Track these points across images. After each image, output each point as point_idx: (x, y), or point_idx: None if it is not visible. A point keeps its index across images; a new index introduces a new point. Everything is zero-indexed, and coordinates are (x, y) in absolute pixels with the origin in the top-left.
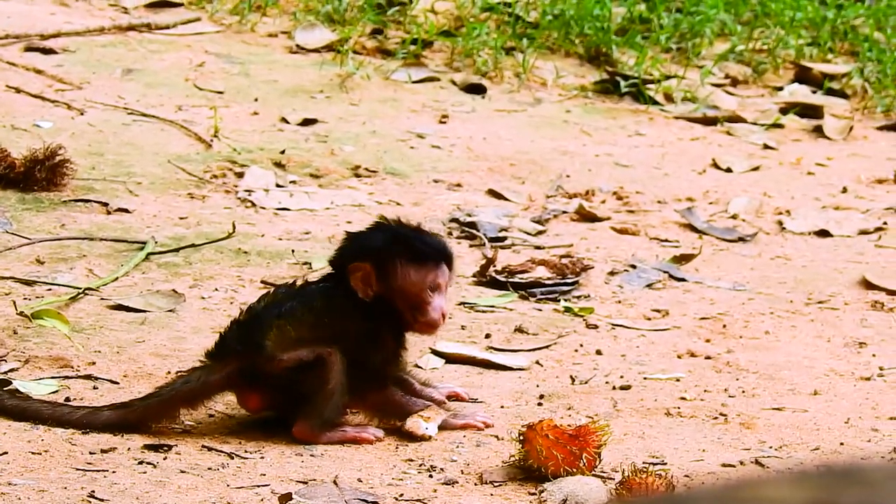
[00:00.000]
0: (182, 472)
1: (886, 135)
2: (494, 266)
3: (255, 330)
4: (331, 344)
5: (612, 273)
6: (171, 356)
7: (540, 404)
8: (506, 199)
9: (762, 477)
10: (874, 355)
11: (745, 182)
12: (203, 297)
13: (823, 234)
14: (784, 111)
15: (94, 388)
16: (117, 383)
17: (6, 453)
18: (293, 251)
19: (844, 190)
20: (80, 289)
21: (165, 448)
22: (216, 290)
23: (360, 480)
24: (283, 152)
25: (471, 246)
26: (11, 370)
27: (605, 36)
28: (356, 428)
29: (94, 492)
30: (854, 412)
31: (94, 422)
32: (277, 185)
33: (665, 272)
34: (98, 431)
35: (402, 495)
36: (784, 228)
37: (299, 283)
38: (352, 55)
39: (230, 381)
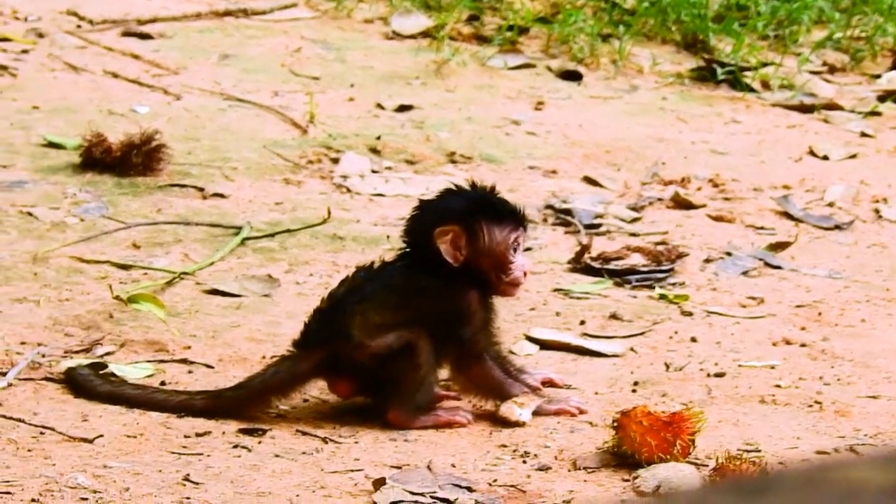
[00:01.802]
0: (276, 456)
1: None
2: (589, 253)
3: (340, 318)
4: (417, 324)
5: (707, 260)
6: (266, 341)
7: (634, 391)
8: (601, 186)
9: (851, 459)
10: None
11: (842, 170)
12: (298, 283)
13: None
14: (882, 99)
15: (190, 372)
16: (212, 367)
17: (102, 436)
18: (388, 237)
19: None
20: (176, 273)
21: (260, 432)
22: (311, 275)
23: (453, 466)
24: (378, 138)
25: (566, 233)
26: (107, 354)
27: (702, 23)
28: (449, 411)
29: (188, 475)
30: None
31: (186, 411)
32: (373, 171)
33: (761, 260)
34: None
35: (495, 481)
36: (881, 216)
37: (377, 264)
38: (448, 41)
39: (319, 369)
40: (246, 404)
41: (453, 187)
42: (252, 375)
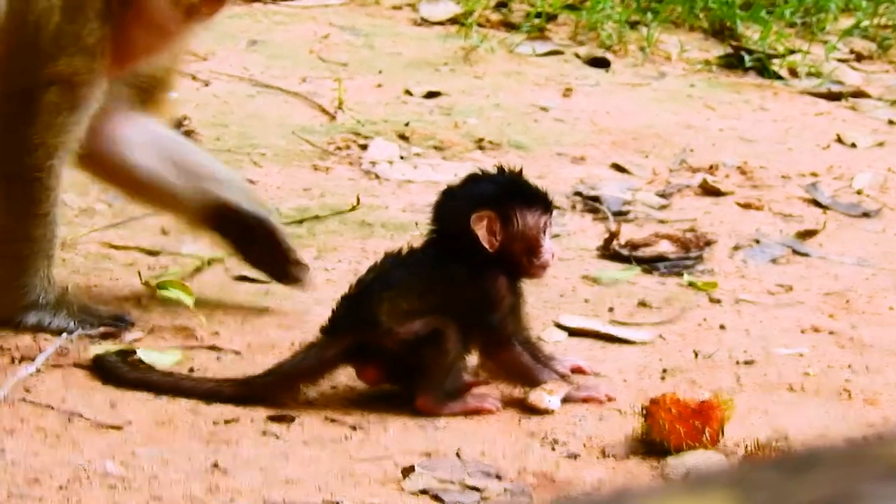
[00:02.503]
0: (305, 443)
1: None
2: (618, 240)
3: (367, 304)
4: (445, 310)
5: (735, 248)
6: (295, 327)
7: (663, 379)
8: (629, 173)
9: (892, 437)
10: None
11: (870, 157)
12: (327, 269)
13: None
14: None
15: (218, 359)
16: (240, 354)
17: (130, 423)
18: (417, 223)
19: None
20: (205, 259)
21: (289, 419)
22: (339, 261)
23: (482, 453)
24: (407, 124)
25: (594, 220)
26: (136, 340)
27: (730, 10)
28: (477, 398)
29: (217, 462)
30: None
31: (214, 398)
32: (401, 157)
33: (789, 247)
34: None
35: (524, 468)
36: None
37: (405, 250)
38: (476, 28)
39: (346, 355)
40: (274, 391)
41: (479, 172)
42: (280, 362)
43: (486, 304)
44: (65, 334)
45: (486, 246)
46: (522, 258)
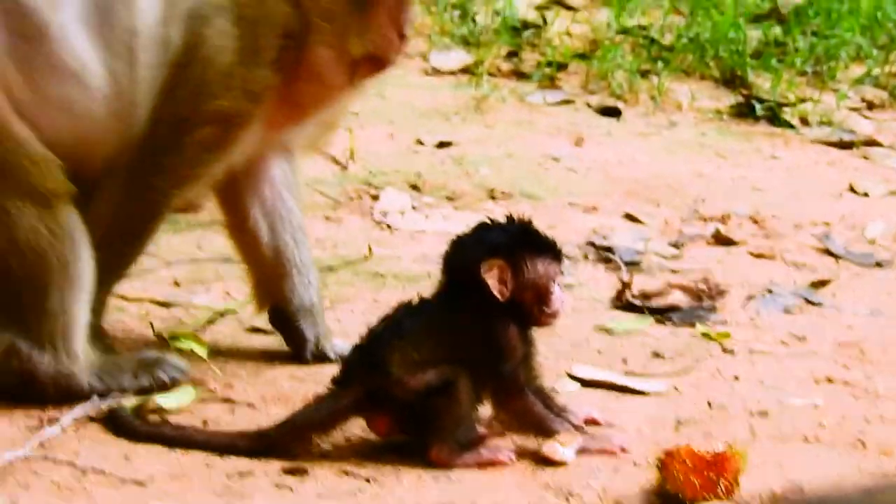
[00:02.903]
0: (319, 496)
1: None
2: (630, 290)
3: (378, 354)
4: (457, 360)
5: (748, 297)
6: (308, 379)
7: (677, 430)
8: (641, 223)
9: None
10: None
11: (883, 206)
12: (339, 320)
13: None
14: None
15: (232, 411)
16: (254, 406)
17: (144, 477)
18: (429, 274)
19: None
20: (218, 311)
21: (303, 472)
22: (352, 312)
23: None
24: (418, 174)
25: (606, 270)
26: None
27: (741, 59)
28: (491, 450)
29: None
30: None
31: (228, 451)
32: (413, 208)
33: (802, 297)
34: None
35: None
36: None
37: (416, 300)
38: (487, 77)
39: (358, 406)
40: (288, 443)
41: (488, 221)
42: (293, 413)
43: (498, 353)
44: (93, 400)
45: (497, 295)
46: (533, 307)
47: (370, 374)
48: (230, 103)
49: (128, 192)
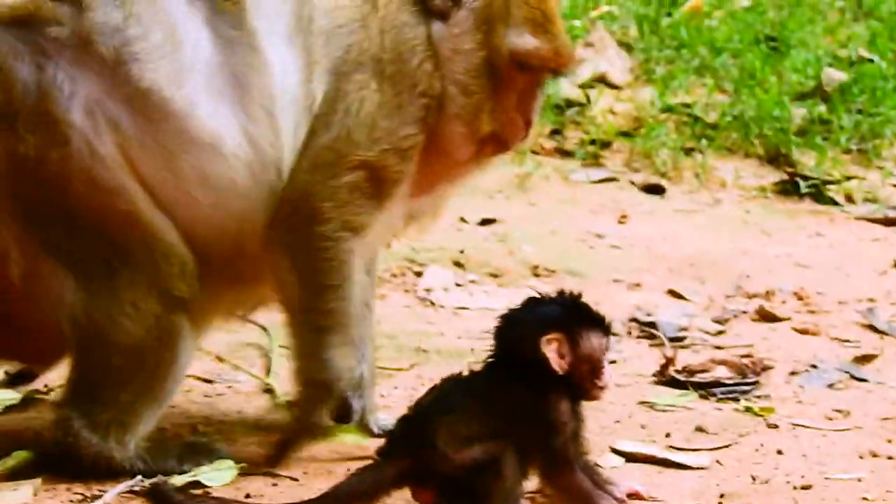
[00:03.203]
0: None
1: None
2: (674, 366)
3: (425, 428)
4: (504, 434)
5: (792, 373)
6: (351, 453)
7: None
8: (685, 299)
9: None
10: None
11: None
12: (382, 395)
13: None
14: None
15: (275, 484)
16: (297, 480)
17: None
18: (473, 350)
19: None
20: (261, 386)
21: None
22: (395, 388)
23: None
24: (461, 251)
25: (650, 345)
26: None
27: (785, 137)
28: None
29: None
30: None
31: None
32: (456, 284)
33: (846, 372)
34: None
35: None
36: None
37: (464, 374)
38: (531, 155)
39: (403, 478)
40: None
41: (539, 296)
42: (336, 485)
43: (550, 427)
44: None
45: (556, 368)
46: (586, 380)
47: (416, 448)
48: (377, 157)
49: (302, 251)
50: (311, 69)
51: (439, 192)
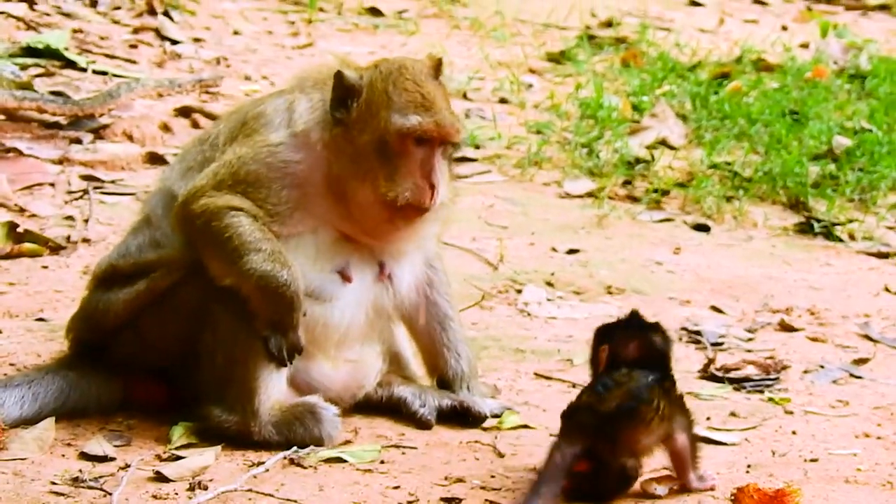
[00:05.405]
0: None
1: None
2: (714, 365)
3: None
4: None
5: (805, 371)
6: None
7: (747, 472)
8: (724, 314)
9: None
10: None
11: None
12: (487, 384)
13: None
14: None
15: (403, 453)
16: (416, 448)
17: None
18: (559, 350)
19: None
20: None
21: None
22: (499, 379)
23: None
24: (552, 274)
25: (696, 349)
26: (346, 442)
27: (803, 188)
28: None
29: None
30: None
31: None
32: (548, 300)
33: (847, 371)
34: None
35: None
36: None
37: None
38: (607, 200)
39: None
40: None
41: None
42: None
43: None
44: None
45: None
46: None
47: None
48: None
49: None
50: None
51: (395, 241)
